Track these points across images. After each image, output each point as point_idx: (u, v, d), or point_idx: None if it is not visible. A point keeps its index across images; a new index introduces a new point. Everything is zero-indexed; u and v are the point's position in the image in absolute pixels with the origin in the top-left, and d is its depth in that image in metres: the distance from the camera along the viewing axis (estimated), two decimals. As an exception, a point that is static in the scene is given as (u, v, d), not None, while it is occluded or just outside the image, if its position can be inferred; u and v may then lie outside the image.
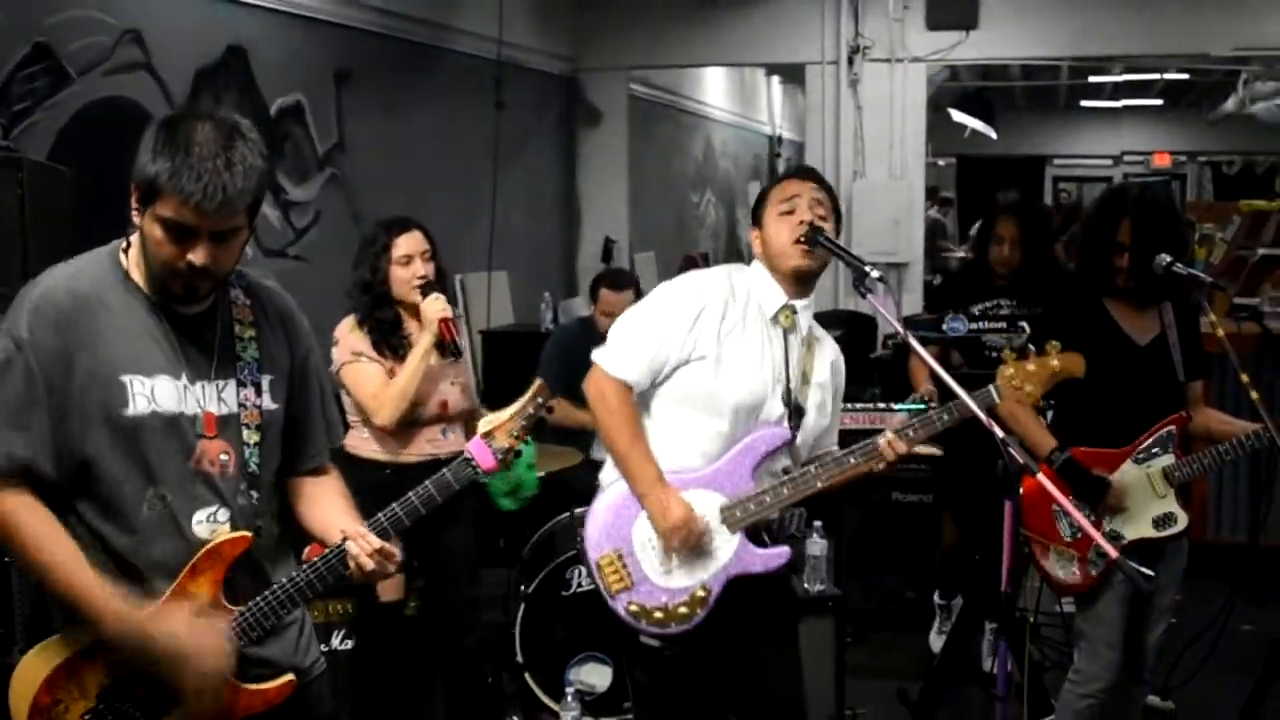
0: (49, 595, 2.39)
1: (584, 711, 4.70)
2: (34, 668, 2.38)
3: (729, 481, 3.18)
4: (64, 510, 2.36)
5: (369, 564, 2.45)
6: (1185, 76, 14.88)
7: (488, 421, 2.61)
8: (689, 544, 3.12)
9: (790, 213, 3.23)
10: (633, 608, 3.16)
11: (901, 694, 5.16)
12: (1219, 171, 20.48)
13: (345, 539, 2.47)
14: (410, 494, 2.54)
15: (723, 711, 3.40)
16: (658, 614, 3.15)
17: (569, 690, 4.72)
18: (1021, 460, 2.83)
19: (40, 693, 2.35)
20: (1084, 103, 18.88)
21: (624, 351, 3.23)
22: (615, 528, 3.19)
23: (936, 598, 5.66)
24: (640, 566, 3.17)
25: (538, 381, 2.70)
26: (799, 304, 3.27)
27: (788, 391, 3.23)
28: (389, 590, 4.12)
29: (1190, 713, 4.95)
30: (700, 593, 3.15)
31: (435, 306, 4.08)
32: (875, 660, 5.49)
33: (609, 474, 3.34)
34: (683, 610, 3.15)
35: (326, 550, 2.49)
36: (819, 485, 3.16)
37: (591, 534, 3.21)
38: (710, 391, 3.19)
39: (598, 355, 3.28)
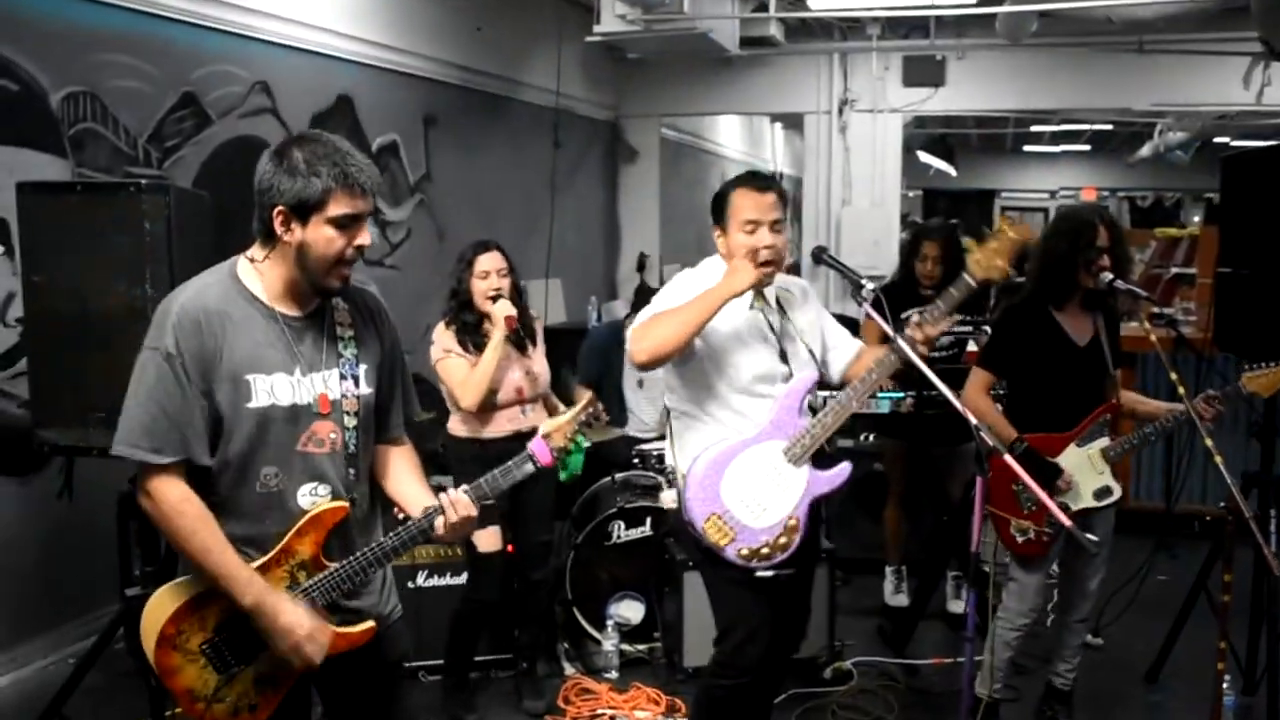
0: (197, 569, 2.31)
1: (620, 639, 4.63)
2: (163, 603, 2.32)
3: (781, 430, 3.12)
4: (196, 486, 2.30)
5: (455, 522, 2.41)
6: (1109, 127, 14.69)
7: (548, 424, 2.53)
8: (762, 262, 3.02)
9: (753, 234, 3.11)
10: (743, 552, 3.10)
11: (881, 629, 5.08)
12: (1135, 204, 20.25)
13: (437, 506, 2.41)
14: (481, 479, 2.47)
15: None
16: (764, 550, 3.10)
17: (609, 622, 4.66)
18: (991, 443, 2.71)
19: (167, 624, 2.29)
20: (1026, 147, 18.72)
21: (646, 315, 3.13)
22: (707, 495, 3.10)
23: (888, 566, 5.44)
24: (736, 519, 3.10)
25: (589, 394, 2.64)
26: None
27: (783, 353, 3.16)
28: (485, 543, 4.04)
29: (1116, 647, 4.85)
30: (791, 522, 3.11)
31: (502, 308, 4.02)
32: (859, 601, 5.35)
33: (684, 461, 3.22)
34: (782, 541, 3.11)
35: (419, 515, 2.43)
36: (855, 406, 3.12)
37: (692, 506, 3.10)
38: (726, 371, 3.12)
39: (631, 328, 3.17)
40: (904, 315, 5.04)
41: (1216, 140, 14.08)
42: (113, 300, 3.35)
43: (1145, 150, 14.40)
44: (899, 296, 5.09)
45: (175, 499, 2.24)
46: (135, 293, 3.32)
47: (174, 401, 2.22)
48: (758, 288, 3.10)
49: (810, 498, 3.13)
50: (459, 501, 2.41)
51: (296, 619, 2.28)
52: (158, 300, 3.19)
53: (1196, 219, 18.57)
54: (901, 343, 2.96)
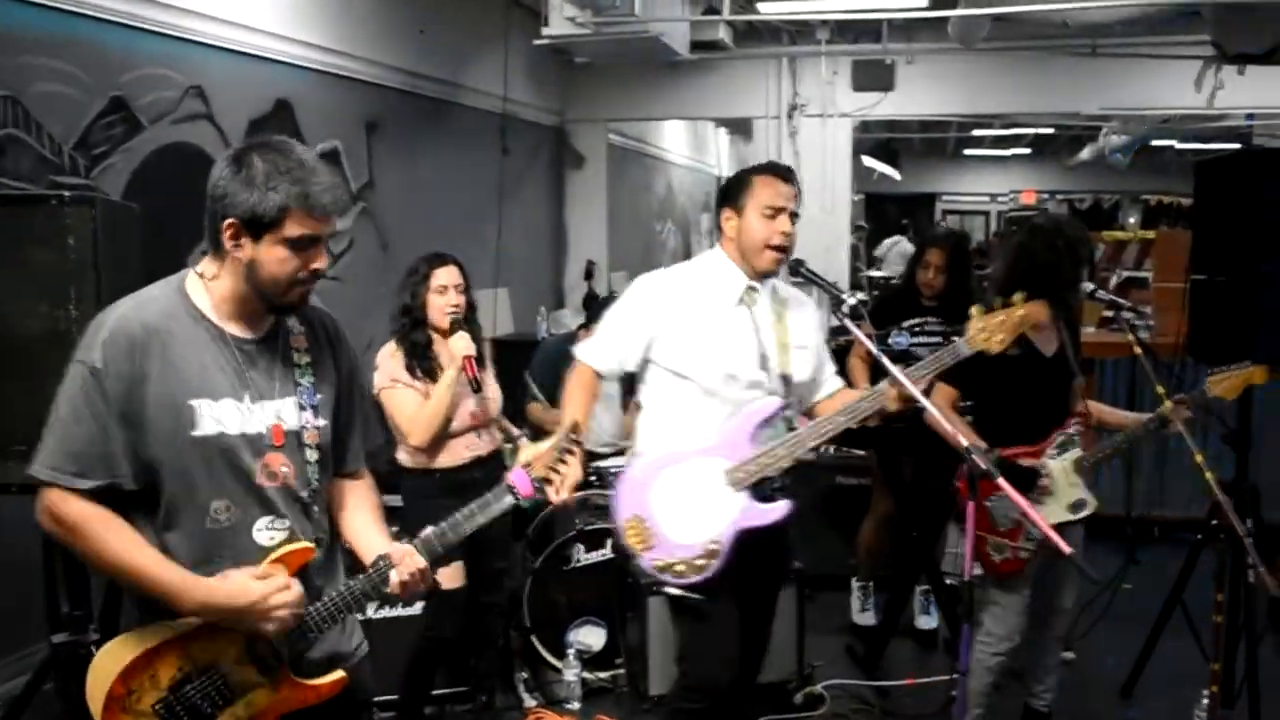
0: (124, 587, 2.11)
1: (582, 667, 4.42)
2: (111, 660, 2.09)
3: (729, 449, 2.97)
4: (134, 523, 2.08)
5: (408, 585, 2.22)
6: (1050, 131, 14.77)
7: (528, 452, 2.31)
8: None
9: (773, 219, 3.05)
10: (657, 563, 2.96)
11: (850, 649, 4.92)
12: (1073, 207, 20.44)
13: (390, 562, 2.21)
14: (457, 514, 2.27)
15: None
16: (678, 567, 2.95)
17: (569, 649, 4.45)
18: (984, 466, 2.55)
19: (116, 683, 2.07)
20: (967, 151, 18.83)
21: (596, 345, 3.15)
22: (636, 496, 2.98)
23: (855, 581, 5.28)
24: (658, 528, 2.95)
25: (570, 421, 2.45)
26: (759, 285, 3.09)
27: (763, 358, 3.01)
28: (448, 579, 3.73)
29: (1088, 661, 4.74)
30: (713, 546, 2.95)
31: (460, 345, 3.74)
32: (825, 619, 5.17)
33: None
34: (699, 563, 2.94)
35: (370, 570, 2.22)
36: (809, 445, 2.99)
37: (619, 501, 3.00)
38: (693, 371, 2.99)
39: (578, 350, 3.18)
40: (905, 324, 4.88)
41: (1155, 143, 14.22)
42: (34, 322, 3.07)
43: (1086, 153, 14.52)
44: (900, 304, 4.94)
45: (75, 513, 2.03)
46: (58, 314, 3.04)
47: (98, 420, 2.02)
48: (766, 274, 3.09)
49: (740, 527, 2.96)
50: (407, 553, 2.22)
51: (240, 585, 2.06)
52: (82, 322, 2.94)
53: (1133, 220, 18.80)
54: (886, 361, 2.80)
